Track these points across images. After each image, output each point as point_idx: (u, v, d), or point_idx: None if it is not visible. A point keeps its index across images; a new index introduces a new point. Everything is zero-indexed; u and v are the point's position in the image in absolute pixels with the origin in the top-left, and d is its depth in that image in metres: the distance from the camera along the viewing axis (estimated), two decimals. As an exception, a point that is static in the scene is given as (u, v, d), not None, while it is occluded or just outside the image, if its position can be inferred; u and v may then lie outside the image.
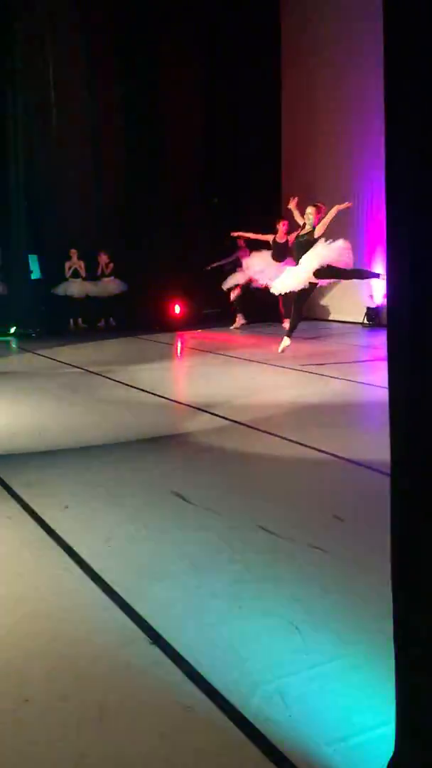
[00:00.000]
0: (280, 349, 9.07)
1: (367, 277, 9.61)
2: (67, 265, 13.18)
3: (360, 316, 12.49)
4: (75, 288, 13.09)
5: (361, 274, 9.41)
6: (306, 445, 5.18)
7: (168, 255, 13.42)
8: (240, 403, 6.75)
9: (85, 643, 2.63)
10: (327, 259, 8.50)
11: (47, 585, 3.10)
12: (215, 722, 2.18)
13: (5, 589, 3.08)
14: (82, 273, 13.22)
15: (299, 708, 2.22)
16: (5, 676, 2.45)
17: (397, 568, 1.72)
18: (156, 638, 2.63)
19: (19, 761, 2.04)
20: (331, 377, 7.86)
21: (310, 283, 8.79)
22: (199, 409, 6.52)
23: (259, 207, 13.65)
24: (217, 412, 6.30)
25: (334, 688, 2.31)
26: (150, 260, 13.16)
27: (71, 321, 13.30)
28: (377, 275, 9.38)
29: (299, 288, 8.80)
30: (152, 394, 7.23)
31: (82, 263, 13.21)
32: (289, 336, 9.07)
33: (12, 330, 12.40)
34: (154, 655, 2.53)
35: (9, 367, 9.52)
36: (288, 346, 9.06)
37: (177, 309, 13.16)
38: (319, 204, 8.80)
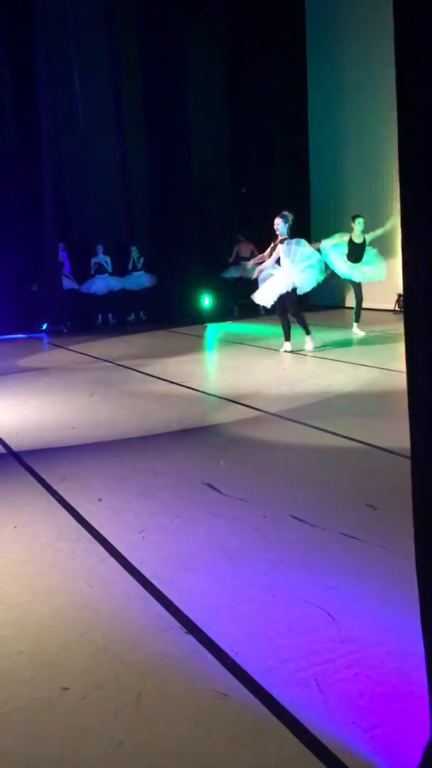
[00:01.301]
0: (307, 347, 8.87)
1: (302, 324, 8.89)
2: (93, 261, 13.21)
3: (390, 304, 12.37)
4: (99, 285, 13.12)
5: (301, 320, 8.88)
6: (338, 434, 5.16)
7: (196, 246, 13.46)
8: (271, 393, 6.75)
9: (121, 633, 2.66)
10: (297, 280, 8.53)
11: (83, 576, 3.14)
12: (250, 709, 2.19)
13: (42, 581, 3.13)
14: (109, 268, 13.23)
15: (335, 695, 2.22)
16: (43, 665, 2.49)
17: (421, 552, 1.73)
18: (191, 627, 2.66)
19: (57, 748, 2.08)
20: (363, 365, 7.81)
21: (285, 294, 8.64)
22: (230, 400, 6.53)
23: (287, 195, 13.59)
24: (248, 403, 6.30)
25: (370, 675, 2.31)
26: (178, 252, 13.20)
27: (99, 317, 13.38)
28: (307, 332, 8.86)
29: (275, 299, 8.68)
30: (183, 386, 7.25)
31: (108, 258, 13.24)
32: (308, 334, 8.83)
33: (44, 326, 12.53)
34: (189, 644, 2.55)
35: (41, 363, 9.63)
36: (287, 349, 8.85)
37: (206, 300, 13.17)
38: (284, 213, 8.63)
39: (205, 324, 12.48)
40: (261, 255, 8.97)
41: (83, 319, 12.92)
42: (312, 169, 13.96)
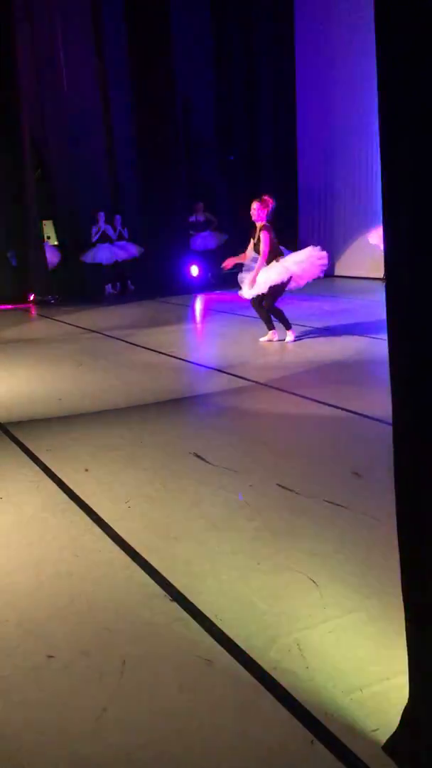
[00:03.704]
0: (265, 340, 7.96)
1: (282, 320, 7.95)
2: (93, 229, 12.91)
3: (380, 272, 12.34)
4: (104, 254, 12.82)
5: (280, 315, 7.93)
6: (325, 403, 5.17)
7: (184, 215, 13.32)
8: (259, 363, 6.74)
9: (107, 601, 2.68)
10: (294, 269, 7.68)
11: (69, 546, 3.15)
12: (234, 675, 2.22)
13: (29, 551, 3.14)
14: (113, 236, 12.96)
15: (316, 660, 2.25)
16: (30, 634, 2.51)
17: (402, 519, 1.75)
18: (176, 595, 2.68)
19: (43, 714, 2.10)
20: (351, 335, 7.80)
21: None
22: (217, 370, 6.53)
23: (275, 162, 13.45)
24: (235, 373, 6.29)
25: (351, 640, 2.34)
26: (166, 221, 13.06)
27: (109, 287, 13.17)
28: (289, 327, 7.88)
29: (257, 294, 7.77)
30: (171, 356, 7.24)
31: (110, 227, 12.96)
32: (288, 329, 7.88)
33: (31, 297, 12.43)
34: (174, 611, 2.58)
35: (28, 334, 9.58)
36: (273, 339, 7.88)
37: (194, 270, 13.08)
38: (264, 197, 7.69)
39: (193, 294, 12.42)
40: (242, 255, 7.93)
41: (89, 290, 12.65)
42: (300, 133, 13.79)
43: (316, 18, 13.16)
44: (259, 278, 7.65)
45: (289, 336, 7.89)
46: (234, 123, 14.25)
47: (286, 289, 7.84)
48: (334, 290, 11.64)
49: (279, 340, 7.77)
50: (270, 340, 7.81)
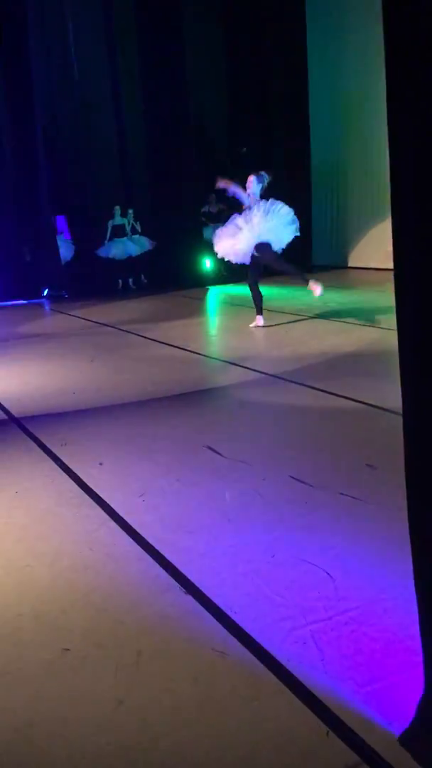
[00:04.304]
0: (252, 326, 8.21)
1: (294, 275, 8.19)
2: (109, 224, 12.92)
3: (390, 263, 12.26)
4: (118, 249, 12.84)
5: (295, 271, 8.18)
6: (338, 395, 5.15)
7: (196, 208, 13.29)
8: (272, 355, 6.73)
9: (121, 594, 2.69)
10: (266, 235, 7.69)
11: (84, 540, 3.16)
12: (248, 667, 2.22)
13: (44, 545, 3.15)
14: (128, 231, 12.95)
15: (332, 652, 2.25)
16: (45, 627, 2.52)
17: (413, 510, 1.74)
18: (190, 588, 2.68)
19: (58, 707, 2.11)
20: (364, 326, 7.76)
21: (253, 255, 7.88)
22: (231, 363, 6.52)
23: (288, 154, 13.36)
24: (249, 366, 6.28)
25: (366, 632, 2.33)
26: (178, 215, 13.04)
27: (120, 282, 13.18)
28: (306, 281, 8.02)
29: (242, 261, 7.96)
30: (184, 349, 7.23)
31: (124, 221, 12.96)
32: (259, 314, 8.15)
33: (45, 292, 12.47)
34: (188, 604, 2.58)
35: (42, 329, 9.61)
36: (260, 324, 8.13)
37: (207, 264, 13.06)
38: (262, 172, 7.87)
39: (207, 287, 12.40)
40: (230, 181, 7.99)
41: (102, 284, 12.67)
42: (313, 127, 13.71)
43: (327, 5, 13.06)
44: (230, 246, 7.82)
45: (256, 321, 8.12)
46: (246, 115, 14.18)
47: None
48: (348, 282, 11.59)
49: (259, 327, 8.08)
50: (258, 326, 8.07)
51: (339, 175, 13.79)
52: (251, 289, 8.11)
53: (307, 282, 7.94)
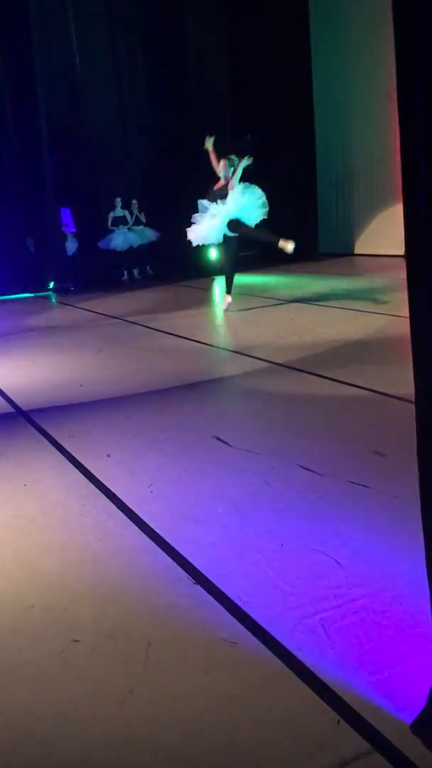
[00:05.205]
0: (223, 308, 8.58)
1: (269, 240, 8.31)
2: (111, 215, 12.91)
3: (400, 249, 12.19)
4: (119, 240, 12.84)
5: (267, 235, 8.34)
6: (345, 383, 5.13)
7: (201, 197, 13.20)
8: (279, 344, 6.70)
9: (131, 585, 2.68)
10: (236, 212, 7.99)
11: (93, 531, 3.16)
12: (259, 656, 2.21)
13: (53, 536, 3.16)
14: (130, 222, 12.95)
15: (342, 640, 2.24)
16: (55, 618, 2.53)
17: (425, 497, 1.72)
18: (199, 578, 2.68)
19: (68, 699, 2.12)
20: (373, 313, 7.72)
21: (225, 235, 8.20)
22: (238, 352, 6.50)
23: (292, 142, 13.26)
24: (256, 355, 6.26)
25: (376, 620, 2.32)
26: (182, 204, 12.97)
27: (125, 273, 13.17)
28: (276, 240, 8.14)
29: (215, 241, 8.34)
30: (191, 340, 7.22)
31: (126, 212, 12.95)
32: (228, 293, 8.48)
33: (51, 285, 12.46)
34: (198, 594, 2.58)
35: (49, 321, 9.61)
36: (231, 303, 8.52)
37: (212, 253, 13.01)
38: (231, 156, 8.30)
39: (212, 277, 12.36)
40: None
41: (107, 276, 12.66)
42: (317, 113, 13.61)
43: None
44: (201, 230, 8.17)
45: (225, 302, 8.41)
46: (250, 103, 14.08)
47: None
48: (355, 269, 11.53)
49: (227, 310, 8.37)
50: (227, 306, 8.36)
51: (345, 162, 13.70)
52: (226, 270, 8.42)
53: (277, 240, 8.09)
